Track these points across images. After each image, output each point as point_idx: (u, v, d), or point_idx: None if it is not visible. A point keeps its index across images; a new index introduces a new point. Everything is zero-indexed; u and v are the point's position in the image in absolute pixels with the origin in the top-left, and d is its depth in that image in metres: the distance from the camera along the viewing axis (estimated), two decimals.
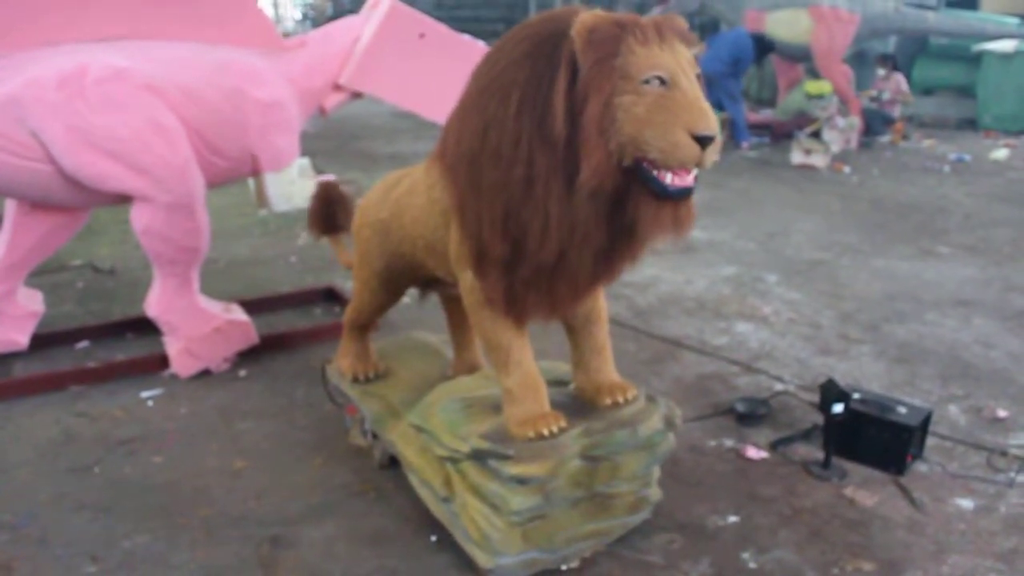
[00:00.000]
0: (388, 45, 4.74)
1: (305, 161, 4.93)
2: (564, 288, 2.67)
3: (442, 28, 4.92)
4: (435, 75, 4.76)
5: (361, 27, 4.78)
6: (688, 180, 2.37)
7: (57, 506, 3.34)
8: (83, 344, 4.83)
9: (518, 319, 2.81)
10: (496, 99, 2.46)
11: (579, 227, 2.46)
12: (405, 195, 3.22)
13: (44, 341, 4.71)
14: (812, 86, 11.96)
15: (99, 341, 4.86)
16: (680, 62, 2.33)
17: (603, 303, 3.06)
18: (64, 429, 3.91)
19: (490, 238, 2.58)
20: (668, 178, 2.34)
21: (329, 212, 3.87)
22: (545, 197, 2.43)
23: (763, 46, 11.69)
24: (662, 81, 2.29)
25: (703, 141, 2.27)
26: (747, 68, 11.93)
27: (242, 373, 4.49)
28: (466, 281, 2.83)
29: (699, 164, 2.31)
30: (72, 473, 3.57)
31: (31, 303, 4.69)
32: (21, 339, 4.60)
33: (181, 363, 4.39)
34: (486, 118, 2.48)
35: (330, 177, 4.89)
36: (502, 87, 2.45)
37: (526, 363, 2.88)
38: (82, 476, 3.55)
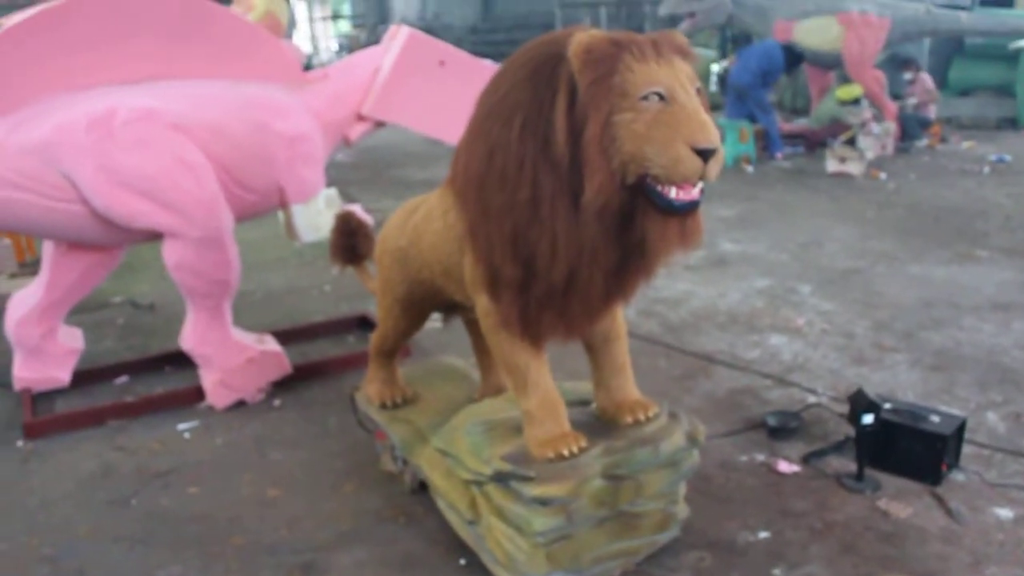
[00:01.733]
0: (408, 74, 4.81)
1: (332, 191, 4.99)
2: (578, 308, 2.68)
3: (461, 54, 4.99)
4: (456, 101, 4.76)
5: (381, 57, 4.86)
6: (693, 193, 2.38)
7: (96, 538, 3.41)
8: (122, 379, 4.92)
9: (534, 341, 2.82)
10: (500, 123, 2.50)
11: (588, 246, 2.48)
12: (422, 221, 3.26)
13: (85, 377, 4.82)
14: (842, 91, 11.86)
15: (138, 376, 4.95)
16: (679, 77, 2.35)
17: (622, 321, 3.06)
18: (103, 463, 3.99)
19: (501, 260, 2.61)
20: (673, 192, 2.35)
21: (350, 242, 3.91)
22: (552, 218, 2.45)
23: (793, 56, 11.62)
24: (660, 97, 2.31)
25: (705, 154, 2.28)
26: (777, 79, 11.88)
27: (276, 403, 4.55)
28: (482, 304, 2.86)
29: (702, 177, 2.32)
30: (110, 506, 3.64)
31: (71, 341, 4.81)
32: (63, 376, 4.71)
33: (216, 395, 4.46)
34: (491, 142, 2.52)
35: (356, 207, 4.96)
36: (505, 111, 2.49)
37: (544, 384, 2.89)
38: (120, 508, 3.62)
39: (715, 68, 15.67)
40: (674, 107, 2.31)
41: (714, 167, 2.32)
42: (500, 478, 2.83)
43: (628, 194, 2.41)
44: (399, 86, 4.81)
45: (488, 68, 4.96)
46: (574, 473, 2.76)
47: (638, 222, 2.46)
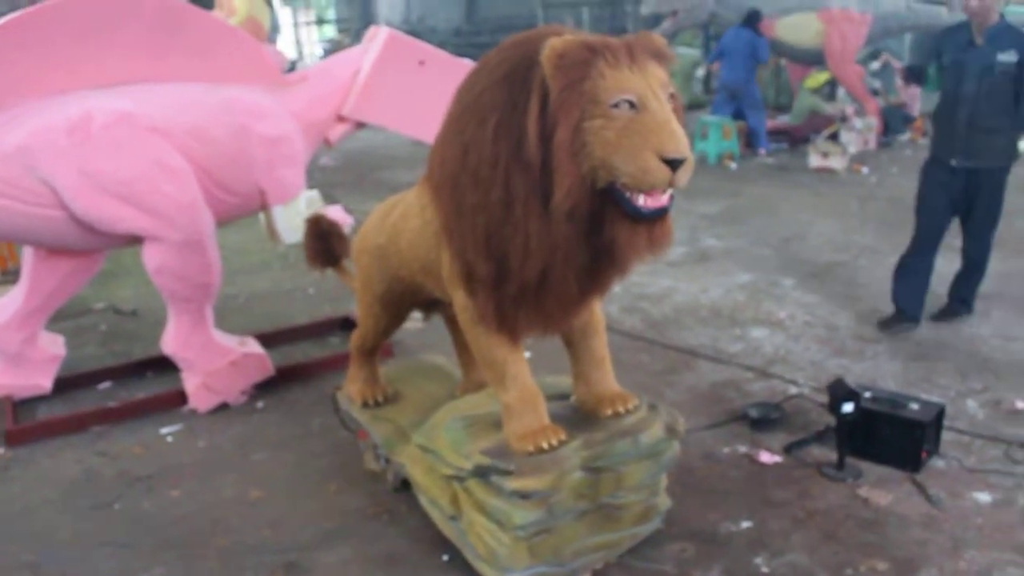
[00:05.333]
0: (388, 74, 4.81)
1: (313, 193, 4.98)
2: (553, 304, 2.69)
3: (441, 53, 4.99)
4: (437, 101, 4.77)
5: (361, 58, 4.86)
6: (662, 200, 2.39)
7: (78, 544, 3.40)
8: (105, 385, 4.90)
9: (511, 335, 2.84)
10: (474, 122, 2.50)
11: (559, 247, 2.50)
12: (400, 219, 3.26)
13: (67, 383, 4.79)
14: (810, 81, 12.05)
15: (120, 381, 4.93)
16: (651, 84, 2.35)
17: (600, 315, 3.08)
18: (86, 468, 3.97)
19: (474, 257, 2.62)
20: (641, 200, 2.37)
21: (324, 245, 3.90)
22: (524, 218, 2.46)
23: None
24: (632, 105, 2.31)
25: (674, 163, 2.29)
26: (766, 56, 11.74)
27: (259, 405, 4.54)
28: (459, 300, 2.87)
29: (671, 185, 2.33)
30: (93, 511, 3.63)
31: (53, 347, 4.79)
32: (44, 383, 4.69)
33: (199, 398, 4.45)
34: (465, 141, 2.52)
35: (337, 207, 4.96)
36: (480, 111, 2.50)
37: (523, 378, 2.90)
38: (102, 513, 3.60)
39: (699, 73, 15.72)
40: (644, 115, 2.31)
41: (683, 176, 2.33)
42: (480, 473, 2.84)
43: (598, 198, 2.42)
44: (379, 87, 4.81)
45: (468, 67, 4.96)
46: (554, 466, 2.77)
47: (607, 226, 2.48)
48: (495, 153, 2.44)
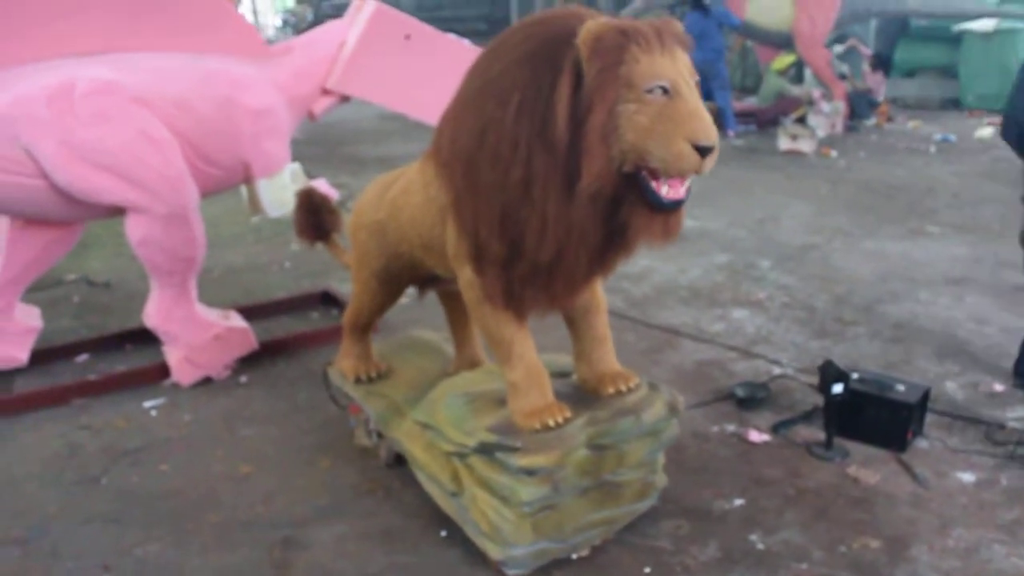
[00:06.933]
0: (374, 47, 4.77)
1: (297, 166, 4.93)
2: (561, 283, 2.70)
3: (428, 28, 4.95)
4: (422, 75, 4.80)
5: (346, 31, 4.81)
6: (681, 192, 2.42)
7: (66, 518, 3.35)
8: (83, 357, 4.82)
9: (518, 313, 2.84)
10: (495, 100, 2.49)
11: (576, 228, 2.50)
12: (401, 195, 3.24)
13: (44, 356, 4.70)
14: (776, 63, 12.15)
15: (99, 354, 4.86)
16: (680, 70, 2.37)
17: (601, 293, 3.09)
18: (69, 442, 3.91)
19: (487, 237, 2.61)
20: (664, 190, 2.39)
21: (315, 219, 3.85)
22: (543, 199, 2.46)
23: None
24: (665, 90, 2.32)
25: (703, 151, 2.30)
26: (734, 22, 11.84)
27: (243, 379, 4.50)
28: (465, 277, 2.86)
29: (698, 172, 2.35)
30: (79, 485, 3.57)
31: (29, 319, 4.69)
32: (21, 355, 4.59)
33: (182, 372, 4.40)
34: (484, 119, 2.51)
35: (321, 181, 4.91)
36: (501, 89, 2.48)
37: (529, 356, 2.91)
38: (89, 488, 3.55)
39: None
40: (677, 102, 2.33)
41: (709, 162, 2.35)
42: (485, 449, 2.84)
43: (622, 182, 2.43)
44: (365, 60, 4.76)
45: (454, 43, 4.95)
46: (560, 443, 2.78)
47: (624, 211, 2.49)
48: (516, 133, 2.43)
